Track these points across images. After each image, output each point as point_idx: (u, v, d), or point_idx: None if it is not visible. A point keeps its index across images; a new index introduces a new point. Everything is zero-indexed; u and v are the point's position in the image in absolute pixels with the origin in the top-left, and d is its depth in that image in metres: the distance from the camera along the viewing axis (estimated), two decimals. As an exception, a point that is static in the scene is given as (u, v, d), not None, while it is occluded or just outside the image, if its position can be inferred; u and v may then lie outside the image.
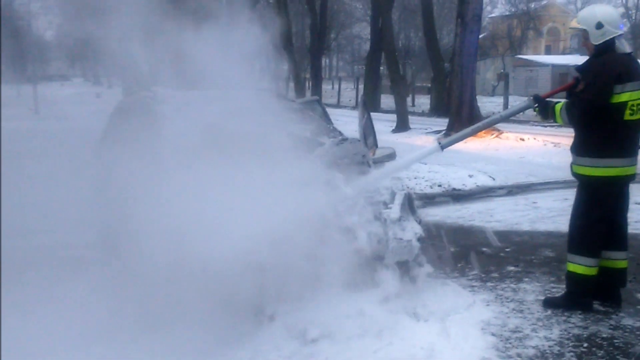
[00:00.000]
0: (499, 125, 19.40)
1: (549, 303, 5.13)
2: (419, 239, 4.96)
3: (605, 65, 4.79)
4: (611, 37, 4.80)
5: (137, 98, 6.33)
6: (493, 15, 60.06)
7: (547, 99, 5.13)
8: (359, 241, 4.88)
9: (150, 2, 5.63)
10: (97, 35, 6.04)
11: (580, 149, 4.92)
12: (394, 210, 4.94)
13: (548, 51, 59.11)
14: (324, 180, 4.99)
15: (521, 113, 5.84)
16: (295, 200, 4.65)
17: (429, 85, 36.28)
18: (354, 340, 4.33)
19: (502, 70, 40.30)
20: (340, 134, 6.04)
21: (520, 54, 49.16)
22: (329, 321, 4.47)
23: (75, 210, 7.07)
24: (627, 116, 4.74)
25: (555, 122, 5.13)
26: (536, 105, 5.10)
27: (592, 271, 4.94)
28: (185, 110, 5.60)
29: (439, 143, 5.39)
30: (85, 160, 6.39)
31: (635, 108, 4.75)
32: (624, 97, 4.71)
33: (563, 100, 5.04)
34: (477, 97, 20.88)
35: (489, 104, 31.47)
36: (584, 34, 4.95)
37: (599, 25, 4.79)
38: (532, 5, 52.34)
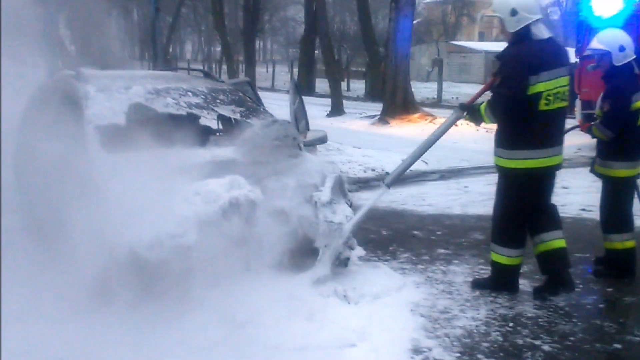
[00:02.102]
0: (434, 111, 19.70)
1: (477, 284, 5.17)
2: (349, 221, 4.94)
3: (518, 57, 4.65)
4: (527, 23, 4.64)
5: (60, 77, 6.11)
6: (428, 0, 60.72)
7: (474, 104, 5.03)
8: (289, 224, 4.85)
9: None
10: (23, 13, 5.82)
11: (497, 140, 4.87)
12: (325, 193, 4.91)
13: (482, 38, 60.11)
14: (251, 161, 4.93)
15: (455, 98, 5.68)
16: (225, 183, 4.58)
17: (364, 69, 36.40)
18: (284, 323, 4.28)
19: (436, 56, 40.75)
20: (271, 116, 5.96)
21: (454, 40, 49.88)
22: (258, 305, 4.42)
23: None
24: (542, 106, 4.60)
25: (486, 123, 4.99)
26: (464, 113, 5.03)
27: (515, 261, 4.94)
28: (109, 90, 5.42)
29: (384, 182, 5.39)
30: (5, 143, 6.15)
31: (551, 98, 4.61)
32: (538, 88, 4.56)
33: (485, 100, 4.90)
34: (411, 82, 21.04)
35: (424, 90, 31.79)
36: (500, 22, 4.81)
37: (514, 12, 4.63)
38: (466, -8, 53.15)
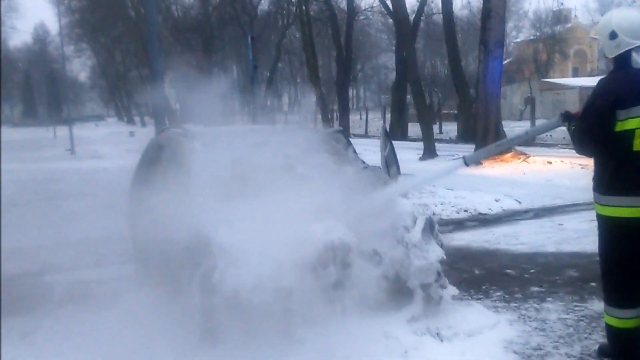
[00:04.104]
0: (526, 149, 19.48)
1: (602, 351, 4.56)
2: (441, 262, 5.12)
3: (604, 87, 4.07)
4: (628, 48, 4.00)
5: (169, 134, 6.62)
6: (518, 40, 60.18)
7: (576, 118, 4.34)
8: (382, 265, 5.09)
9: (179, 43, 5.96)
10: (129, 76, 6.38)
11: (594, 182, 4.27)
12: (415, 234, 5.11)
13: (575, 73, 58.98)
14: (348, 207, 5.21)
15: (549, 135, 5.32)
16: (321, 227, 4.88)
17: (456, 112, 36.40)
18: (380, 360, 4.49)
19: (529, 95, 40.27)
20: (363, 162, 6.25)
21: (546, 78, 49.13)
22: (355, 343, 4.63)
23: (112, 246, 7.39)
24: (638, 147, 3.96)
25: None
26: (565, 122, 4.43)
27: (628, 324, 4.19)
28: (214, 144, 5.87)
29: (464, 158, 5.16)
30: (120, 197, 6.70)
31: None
32: (630, 124, 3.94)
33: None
34: (504, 121, 20.97)
35: (517, 128, 31.36)
36: (601, 47, 4.22)
37: (613, 35, 4.02)
38: (557, 28, 52.39)
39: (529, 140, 5.44)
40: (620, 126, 3.95)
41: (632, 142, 3.95)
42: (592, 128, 4.06)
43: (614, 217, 4.11)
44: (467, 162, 5.11)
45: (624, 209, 4.05)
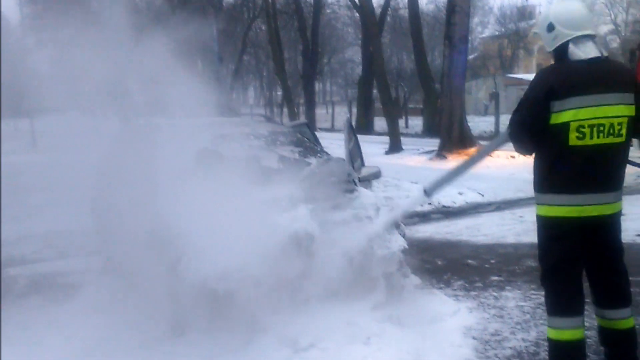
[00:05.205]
0: (490, 144, 19.74)
1: None
2: (403, 251, 5.24)
3: (539, 79, 3.82)
4: (565, 40, 3.78)
5: (134, 127, 6.63)
6: (484, 35, 60.82)
7: None
8: (346, 255, 5.18)
9: (141, 33, 5.97)
10: (92, 68, 6.35)
11: (533, 179, 3.99)
12: (378, 225, 5.22)
13: (539, 69, 59.74)
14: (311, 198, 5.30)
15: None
16: (285, 218, 4.96)
17: (422, 106, 36.73)
18: (343, 347, 4.57)
19: (493, 90, 40.78)
20: (327, 154, 6.34)
21: (511, 73, 49.77)
22: (319, 331, 4.73)
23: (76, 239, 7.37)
24: (574, 141, 3.64)
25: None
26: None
27: (563, 335, 3.84)
28: (179, 136, 5.90)
29: (424, 189, 5.03)
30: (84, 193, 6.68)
31: (586, 130, 3.62)
32: (564, 117, 3.63)
33: None
34: (469, 116, 21.26)
35: (482, 124, 31.90)
36: (543, 41, 3.99)
37: (550, 27, 3.84)
38: (522, 25, 53.11)
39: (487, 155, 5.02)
40: (555, 118, 3.65)
41: (568, 136, 3.64)
42: (525, 120, 3.80)
43: (549, 217, 3.83)
44: (427, 193, 5.00)
45: (560, 207, 3.76)
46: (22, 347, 4.77)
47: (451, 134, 19.06)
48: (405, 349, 4.58)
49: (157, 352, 4.66)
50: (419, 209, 11.03)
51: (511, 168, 15.74)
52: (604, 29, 50.94)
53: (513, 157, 17.77)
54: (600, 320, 4.03)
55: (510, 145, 4.14)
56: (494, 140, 4.93)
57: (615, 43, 50.12)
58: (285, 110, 40.59)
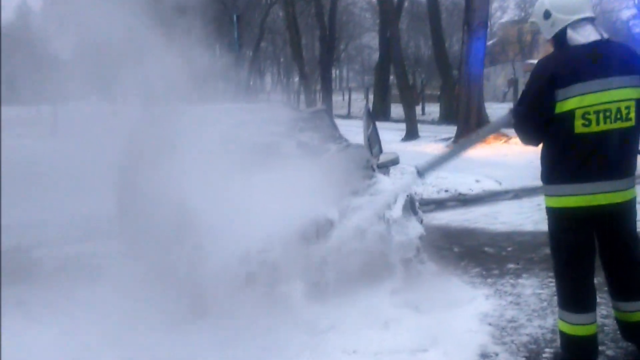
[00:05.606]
0: (508, 131, 19.68)
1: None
2: (420, 238, 5.31)
3: (540, 67, 3.73)
4: (563, 26, 3.69)
5: (155, 113, 6.72)
6: (503, 20, 60.22)
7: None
8: (364, 241, 5.26)
9: (162, 19, 6.04)
10: (112, 54, 6.43)
11: (540, 170, 3.94)
12: (396, 211, 5.29)
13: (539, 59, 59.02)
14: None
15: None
16: (305, 203, 5.05)
17: (439, 93, 36.59)
18: (361, 331, 4.66)
19: (512, 76, 40.50)
20: (346, 141, 6.41)
21: (530, 59, 49.34)
22: (338, 315, 4.83)
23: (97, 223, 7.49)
24: (580, 128, 3.55)
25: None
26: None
27: (578, 330, 3.78)
28: (200, 123, 5.99)
29: (416, 168, 4.99)
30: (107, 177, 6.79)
31: (592, 117, 3.53)
32: (569, 104, 3.54)
33: None
34: (487, 103, 21.16)
35: (500, 110, 31.39)
36: (541, 30, 3.91)
37: (547, 15, 3.75)
38: (541, 10, 52.47)
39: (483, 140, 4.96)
40: (560, 107, 3.57)
41: (573, 125, 3.55)
42: (530, 112, 3.75)
43: (559, 208, 3.74)
44: (420, 173, 4.96)
45: (569, 197, 3.67)
46: (50, 327, 4.88)
47: (469, 121, 18.98)
48: (422, 334, 4.65)
49: (179, 334, 4.76)
50: (435, 196, 11.10)
51: (529, 156, 15.63)
52: (627, 13, 50.28)
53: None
54: (616, 313, 3.98)
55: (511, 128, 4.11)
56: (492, 124, 4.99)
57: (638, 28, 49.46)
58: (302, 96, 40.57)
